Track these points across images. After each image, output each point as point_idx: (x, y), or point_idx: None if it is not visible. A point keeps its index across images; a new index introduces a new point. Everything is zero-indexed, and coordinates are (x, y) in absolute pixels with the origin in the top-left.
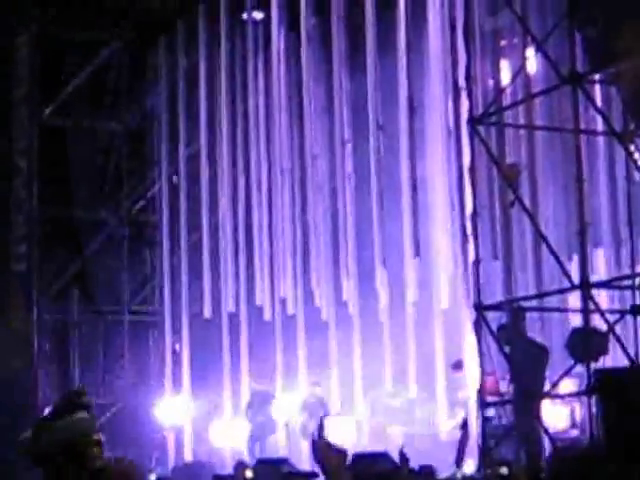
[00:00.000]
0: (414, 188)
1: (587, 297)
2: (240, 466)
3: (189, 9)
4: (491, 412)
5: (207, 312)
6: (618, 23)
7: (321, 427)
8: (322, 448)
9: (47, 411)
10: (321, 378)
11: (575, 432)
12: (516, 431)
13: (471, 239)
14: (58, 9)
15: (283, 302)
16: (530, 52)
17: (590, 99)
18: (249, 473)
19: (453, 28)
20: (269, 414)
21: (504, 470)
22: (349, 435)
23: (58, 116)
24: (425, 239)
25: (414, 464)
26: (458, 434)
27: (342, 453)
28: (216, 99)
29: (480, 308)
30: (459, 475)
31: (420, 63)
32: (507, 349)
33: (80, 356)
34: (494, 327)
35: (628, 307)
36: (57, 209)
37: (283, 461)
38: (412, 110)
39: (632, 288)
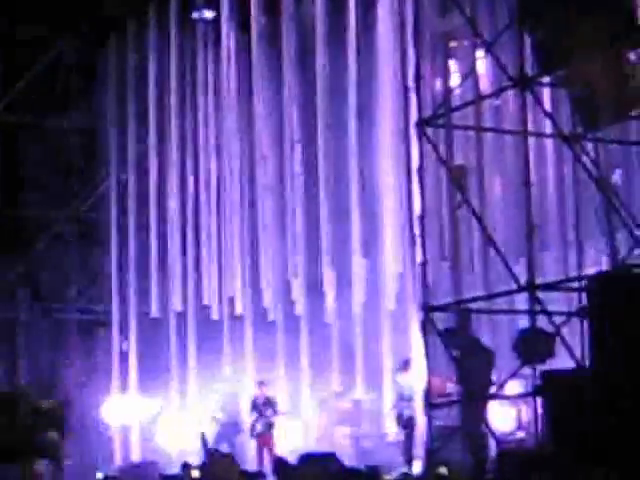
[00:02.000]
0: (363, 188)
1: (533, 299)
2: (186, 466)
3: (140, 7)
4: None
5: (155, 311)
6: (567, 26)
7: (268, 425)
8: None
9: None
10: (269, 378)
11: (521, 434)
12: (462, 432)
13: (419, 240)
14: (8, 5)
15: (231, 301)
16: (480, 54)
17: (539, 102)
18: (196, 473)
19: (403, 29)
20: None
21: (443, 470)
22: (296, 435)
23: (8, 113)
24: (373, 239)
25: (361, 464)
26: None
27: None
28: (166, 98)
29: (427, 309)
30: (405, 475)
31: (370, 64)
32: (455, 352)
33: (27, 354)
34: (441, 328)
35: (575, 309)
36: (5, 207)
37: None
38: (361, 111)
39: (579, 290)
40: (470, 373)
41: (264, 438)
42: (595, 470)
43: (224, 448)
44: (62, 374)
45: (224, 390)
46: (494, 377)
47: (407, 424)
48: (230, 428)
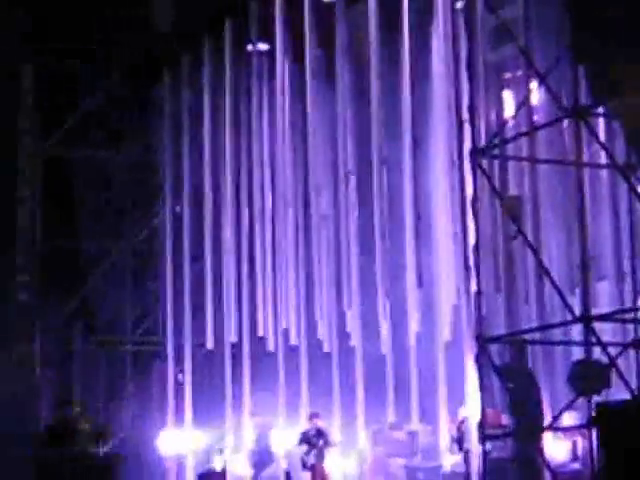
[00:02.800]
0: (417, 219)
1: (588, 330)
2: None
3: (194, 41)
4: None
5: (210, 343)
6: (620, 57)
7: (320, 456)
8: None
9: None
10: (323, 410)
11: (576, 465)
12: (517, 464)
13: (473, 271)
14: (64, 39)
15: (286, 333)
16: (533, 84)
17: (593, 132)
18: None
19: (457, 61)
20: (267, 444)
21: None
22: (350, 466)
23: (62, 147)
24: (428, 270)
25: None
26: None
27: None
28: (220, 130)
29: (482, 340)
30: None
31: (424, 95)
32: (509, 383)
33: (82, 386)
34: (496, 360)
35: (630, 340)
36: (61, 239)
37: None
38: (415, 142)
39: (634, 321)
40: (526, 404)
41: (317, 469)
42: None
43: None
44: (118, 407)
45: (256, 422)
46: (549, 409)
47: (465, 455)
48: (261, 457)
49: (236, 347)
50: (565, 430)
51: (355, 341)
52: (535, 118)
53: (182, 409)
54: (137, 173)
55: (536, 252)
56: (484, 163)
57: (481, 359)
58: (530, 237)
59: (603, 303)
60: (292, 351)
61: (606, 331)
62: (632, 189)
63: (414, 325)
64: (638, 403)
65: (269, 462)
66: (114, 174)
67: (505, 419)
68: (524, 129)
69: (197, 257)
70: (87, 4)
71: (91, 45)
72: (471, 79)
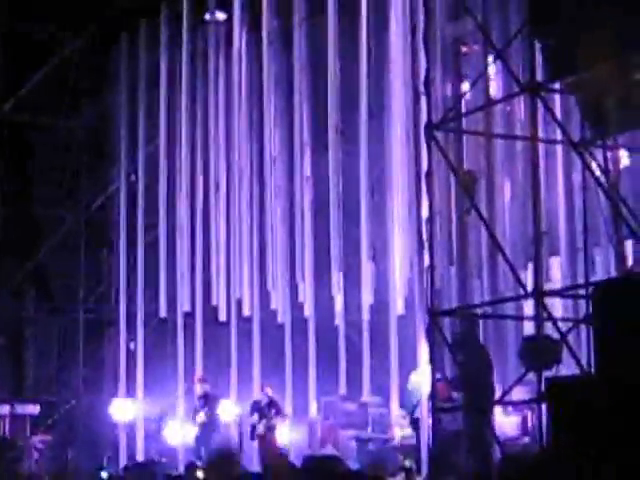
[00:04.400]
0: (372, 192)
1: (540, 305)
2: (191, 466)
3: (151, 7)
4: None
5: (163, 311)
6: (578, 32)
7: (271, 426)
8: (266, 447)
9: None
10: (275, 380)
11: (526, 439)
12: (466, 437)
13: (426, 244)
14: (19, 5)
15: (239, 303)
16: (490, 60)
17: (548, 108)
18: (200, 473)
19: (414, 34)
20: (214, 414)
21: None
22: (301, 437)
23: (18, 112)
24: (382, 243)
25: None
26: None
27: (284, 454)
28: (176, 98)
29: (434, 314)
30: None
31: (381, 68)
32: (460, 356)
33: (35, 353)
34: (448, 333)
35: (581, 316)
36: (15, 206)
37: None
38: (372, 114)
39: (586, 297)
40: (477, 378)
41: (266, 440)
42: (598, 476)
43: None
44: (69, 373)
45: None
46: (499, 383)
47: (415, 425)
48: (208, 428)
49: (189, 316)
50: (515, 405)
51: (308, 312)
52: (492, 93)
53: (134, 377)
54: (93, 140)
55: (489, 227)
56: (439, 137)
57: (433, 332)
58: (484, 212)
59: (555, 279)
60: (245, 321)
61: (558, 307)
62: (586, 165)
63: (367, 297)
64: (588, 379)
65: (216, 431)
66: (70, 140)
67: (455, 392)
68: (480, 104)
69: (151, 226)
70: None
71: (49, 9)
72: (428, 52)
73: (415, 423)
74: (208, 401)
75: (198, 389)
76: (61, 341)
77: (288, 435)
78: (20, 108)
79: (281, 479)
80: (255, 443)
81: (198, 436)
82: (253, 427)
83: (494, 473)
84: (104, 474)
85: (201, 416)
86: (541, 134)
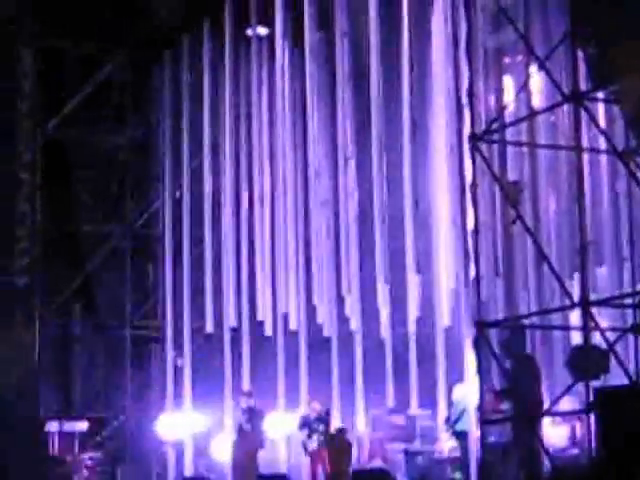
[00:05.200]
0: (416, 204)
1: (587, 315)
2: None
3: (194, 24)
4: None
5: (209, 327)
6: (620, 41)
7: (322, 441)
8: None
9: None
10: (322, 394)
11: (575, 450)
12: (516, 449)
13: (472, 256)
14: (62, 22)
15: (285, 318)
16: (533, 70)
17: (592, 117)
18: None
19: (456, 45)
20: (259, 429)
21: None
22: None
23: (62, 129)
24: (427, 255)
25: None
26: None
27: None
28: (220, 114)
29: (481, 325)
30: None
31: (423, 80)
32: (508, 364)
33: (82, 370)
34: (495, 345)
35: (629, 325)
36: (60, 223)
37: (282, 477)
38: (415, 127)
39: (633, 307)
40: (524, 389)
41: (318, 454)
42: None
43: None
44: (117, 389)
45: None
46: (547, 394)
47: (459, 438)
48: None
49: (236, 331)
50: (563, 415)
51: (354, 326)
52: (535, 103)
53: (181, 393)
54: (137, 156)
55: (535, 237)
56: (483, 148)
57: (480, 344)
58: (529, 222)
59: (602, 288)
60: (292, 336)
61: (605, 316)
62: (631, 174)
63: (413, 310)
64: (636, 389)
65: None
66: (114, 157)
67: (503, 404)
68: (524, 114)
69: (197, 241)
70: None
71: (92, 27)
72: (470, 63)
73: (459, 435)
74: (252, 416)
75: (243, 403)
76: (108, 358)
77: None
78: (65, 126)
79: None
80: (307, 459)
81: (239, 448)
82: (304, 443)
83: None
84: None
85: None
86: (585, 143)
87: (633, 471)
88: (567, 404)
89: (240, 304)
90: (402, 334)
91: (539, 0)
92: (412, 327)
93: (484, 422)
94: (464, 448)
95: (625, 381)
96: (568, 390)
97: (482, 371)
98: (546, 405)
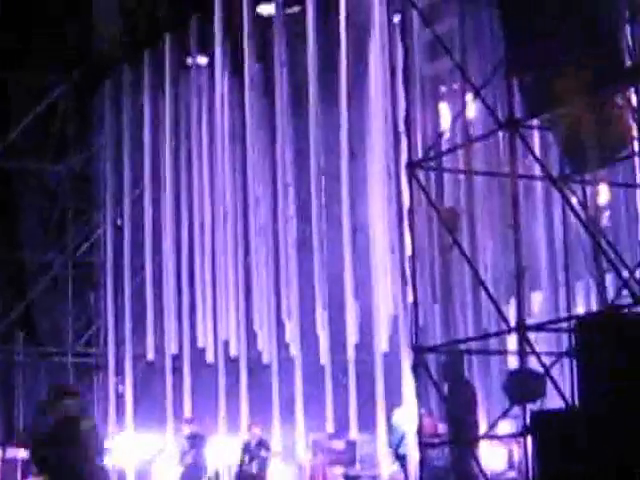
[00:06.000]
0: (355, 230)
1: (523, 339)
2: None
3: (134, 54)
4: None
5: (150, 354)
6: (553, 69)
7: (262, 466)
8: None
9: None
10: (263, 420)
11: (512, 474)
12: (454, 472)
13: (410, 282)
14: (5, 52)
15: (226, 344)
16: (469, 97)
17: (527, 144)
18: None
19: (393, 74)
20: (201, 457)
21: None
22: (290, 476)
23: (4, 159)
24: (366, 281)
25: None
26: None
27: None
28: (160, 142)
29: (419, 350)
30: None
31: (361, 108)
32: (446, 388)
33: (24, 397)
34: (433, 370)
35: (564, 350)
36: (3, 251)
37: None
38: (353, 154)
39: (569, 331)
40: (462, 413)
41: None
42: None
43: None
44: None
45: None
46: (485, 417)
47: (400, 462)
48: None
49: (177, 358)
50: (500, 438)
51: (294, 351)
52: (471, 131)
53: (123, 420)
54: (79, 184)
55: (471, 263)
56: (420, 175)
57: (418, 369)
58: (466, 248)
59: (538, 313)
60: (232, 362)
61: (541, 340)
62: (565, 200)
63: (352, 335)
64: (572, 412)
65: (203, 471)
66: (56, 185)
67: (442, 428)
68: (460, 142)
69: (138, 269)
70: (29, 13)
71: (33, 56)
72: (407, 92)
73: (400, 459)
74: (195, 442)
75: (185, 430)
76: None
77: (278, 474)
78: (7, 155)
79: None
80: None
81: (184, 476)
82: (243, 468)
83: None
84: None
85: (188, 458)
86: (521, 170)
87: None
88: (505, 427)
89: (181, 331)
90: (341, 360)
91: (475, 28)
92: (351, 352)
93: (423, 445)
94: (405, 471)
95: (561, 404)
96: (505, 414)
97: (420, 396)
98: (484, 429)
